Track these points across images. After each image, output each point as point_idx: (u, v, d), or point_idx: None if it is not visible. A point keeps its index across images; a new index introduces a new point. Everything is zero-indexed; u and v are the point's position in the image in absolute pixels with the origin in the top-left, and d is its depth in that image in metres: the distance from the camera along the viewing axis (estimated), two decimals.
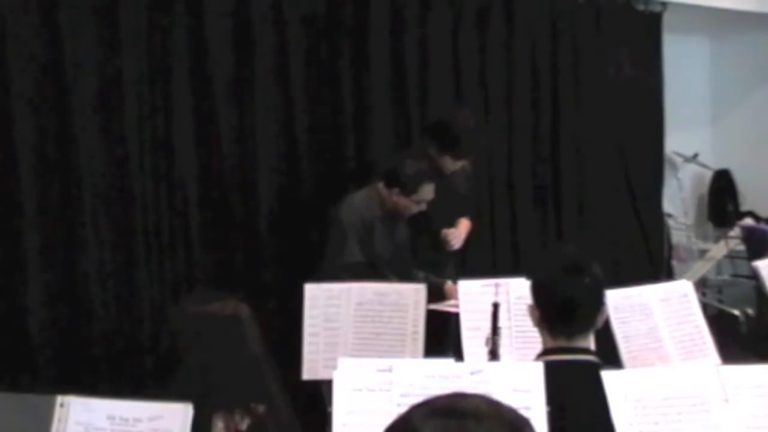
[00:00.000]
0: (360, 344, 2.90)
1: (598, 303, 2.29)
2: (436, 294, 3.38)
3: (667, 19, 5.95)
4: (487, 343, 2.60)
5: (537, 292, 2.32)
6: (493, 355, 2.57)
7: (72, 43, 3.58)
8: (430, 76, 4.77)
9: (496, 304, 2.63)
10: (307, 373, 2.90)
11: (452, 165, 3.95)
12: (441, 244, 4.03)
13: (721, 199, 7.12)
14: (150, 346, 3.78)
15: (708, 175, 7.12)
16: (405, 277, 3.65)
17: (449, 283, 3.72)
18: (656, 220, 6.13)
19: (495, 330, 2.59)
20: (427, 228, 3.98)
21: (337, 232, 3.76)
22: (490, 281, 2.88)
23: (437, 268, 3.92)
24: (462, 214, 4.18)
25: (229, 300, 2.19)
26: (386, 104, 4.60)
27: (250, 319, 2.17)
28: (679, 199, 6.69)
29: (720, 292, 6.47)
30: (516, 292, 2.80)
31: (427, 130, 4.26)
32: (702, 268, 6.05)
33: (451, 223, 4.10)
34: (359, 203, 3.83)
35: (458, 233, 4.05)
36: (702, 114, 7.20)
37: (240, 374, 2.10)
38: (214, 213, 4.06)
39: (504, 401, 1.09)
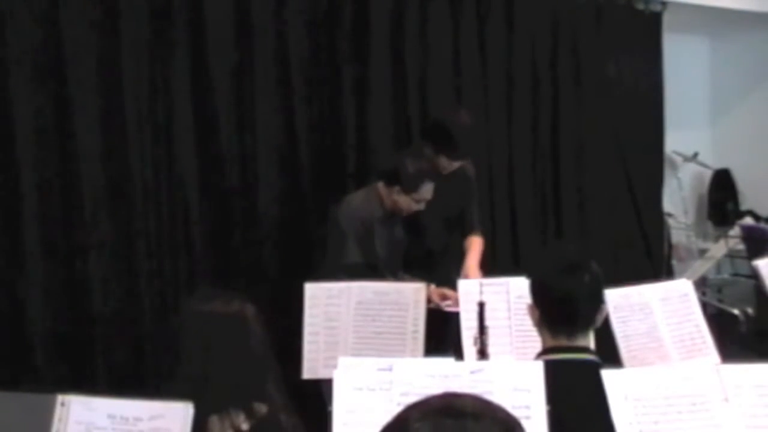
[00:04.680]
0: (360, 343, 2.90)
1: (598, 301, 2.29)
2: None
3: (667, 18, 5.95)
4: (475, 343, 2.61)
5: (536, 291, 2.33)
6: (482, 354, 2.58)
7: (72, 41, 3.58)
8: (430, 76, 4.77)
9: (482, 303, 2.64)
10: (308, 373, 2.90)
11: (449, 165, 3.92)
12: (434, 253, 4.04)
13: (721, 198, 7.13)
14: (150, 346, 3.78)
15: (708, 174, 7.13)
16: (393, 276, 3.67)
17: (432, 286, 3.72)
18: (656, 219, 6.13)
19: (482, 329, 2.61)
20: (417, 234, 3.98)
21: (336, 233, 3.76)
22: (490, 281, 2.89)
23: (435, 271, 3.91)
24: (463, 224, 4.15)
25: (235, 299, 2.19)
26: (386, 104, 4.60)
27: (254, 319, 2.17)
28: (679, 198, 6.70)
29: (720, 291, 6.48)
30: (516, 292, 2.81)
31: (424, 129, 4.24)
32: (702, 267, 6.05)
33: (444, 227, 4.09)
34: (358, 204, 3.82)
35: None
36: (702, 114, 7.21)
37: (242, 374, 2.10)
38: (214, 212, 4.06)
39: (504, 400, 1.10)
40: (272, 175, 4.23)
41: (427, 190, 3.74)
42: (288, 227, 4.26)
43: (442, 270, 3.93)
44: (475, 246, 4.04)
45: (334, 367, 1.97)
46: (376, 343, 2.89)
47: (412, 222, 3.90)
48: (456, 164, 3.94)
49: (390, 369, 1.92)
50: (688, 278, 3.39)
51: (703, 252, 6.40)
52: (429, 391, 1.13)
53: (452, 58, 4.88)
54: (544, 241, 5.34)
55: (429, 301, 3.61)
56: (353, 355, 2.78)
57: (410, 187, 3.71)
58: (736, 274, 6.49)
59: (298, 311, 2.96)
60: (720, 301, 6.26)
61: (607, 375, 1.92)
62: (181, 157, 3.94)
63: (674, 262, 6.48)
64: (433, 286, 3.70)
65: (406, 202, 3.76)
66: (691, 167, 6.89)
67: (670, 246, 6.43)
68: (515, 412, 1.12)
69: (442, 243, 4.10)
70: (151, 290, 3.84)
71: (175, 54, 3.90)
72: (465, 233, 4.09)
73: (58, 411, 1.89)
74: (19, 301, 3.50)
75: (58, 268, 3.60)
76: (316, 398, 2.89)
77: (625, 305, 2.78)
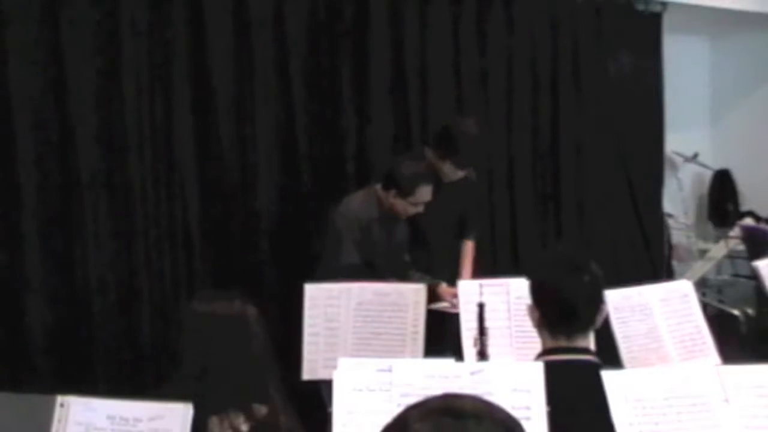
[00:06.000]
0: (360, 344, 2.90)
1: (598, 302, 2.29)
2: (430, 295, 3.38)
3: (667, 19, 5.95)
4: (475, 344, 2.61)
5: (536, 292, 2.32)
6: (482, 355, 2.58)
7: (72, 40, 3.58)
8: (430, 76, 4.77)
9: (481, 304, 2.65)
10: (307, 373, 2.90)
11: (453, 173, 3.92)
12: (433, 252, 4.05)
13: (721, 199, 7.12)
14: (150, 346, 3.78)
15: (708, 175, 7.12)
16: (401, 277, 3.65)
17: (443, 285, 3.72)
18: (656, 219, 6.13)
19: (482, 330, 2.61)
20: (419, 239, 3.98)
21: (333, 234, 3.76)
22: (490, 281, 2.89)
23: (433, 271, 3.92)
24: (462, 227, 4.17)
25: (236, 300, 2.19)
26: (386, 104, 4.60)
27: (256, 320, 2.17)
28: (679, 199, 6.69)
29: (720, 292, 6.47)
30: (516, 292, 2.81)
31: (433, 136, 4.18)
32: (702, 268, 6.06)
33: (445, 229, 4.10)
34: (356, 205, 3.82)
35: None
36: (702, 114, 7.21)
37: (242, 375, 2.10)
38: (214, 213, 4.06)
39: (504, 401, 1.09)
40: (272, 176, 4.23)
41: (424, 193, 3.72)
42: (288, 228, 4.26)
43: (440, 270, 3.93)
44: (468, 254, 4.11)
45: (334, 367, 1.97)
46: (375, 343, 2.89)
47: (414, 223, 3.90)
48: (460, 173, 3.93)
49: (390, 370, 1.92)
50: (689, 279, 3.39)
51: (703, 253, 6.40)
52: (429, 392, 1.13)
53: (452, 58, 4.88)
54: (543, 241, 5.34)
55: (438, 299, 3.62)
56: (353, 356, 2.77)
57: (406, 191, 3.70)
58: (736, 275, 6.48)
59: (297, 312, 2.96)
60: (720, 301, 6.25)
61: (607, 376, 1.91)
62: (181, 158, 3.94)
63: (674, 263, 6.47)
64: (444, 285, 3.70)
65: (403, 206, 3.76)
66: (691, 168, 6.88)
67: (671, 247, 6.42)
68: (515, 413, 1.12)
69: (443, 244, 4.11)
70: (151, 291, 3.84)
71: (175, 55, 3.90)
72: (462, 236, 4.13)
73: (57, 412, 1.89)
74: (19, 301, 3.51)
75: (58, 269, 3.60)
76: (315, 399, 2.89)
77: (625, 306, 2.78)
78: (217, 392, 2.06)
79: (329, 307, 2.94)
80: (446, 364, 2.02)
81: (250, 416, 2.06)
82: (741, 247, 5.64)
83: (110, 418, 1.87)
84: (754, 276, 3.83)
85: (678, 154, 6.65)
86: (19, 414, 1.92)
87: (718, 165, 7.08)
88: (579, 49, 5.49)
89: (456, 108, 4.87)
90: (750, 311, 5.79)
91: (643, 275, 4.49)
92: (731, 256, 6.09)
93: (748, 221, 6.30)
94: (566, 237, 5.42)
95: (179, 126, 3.93)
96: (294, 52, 4.26)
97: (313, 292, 2.96)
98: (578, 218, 5.57)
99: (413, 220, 3.88)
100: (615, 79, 5.69)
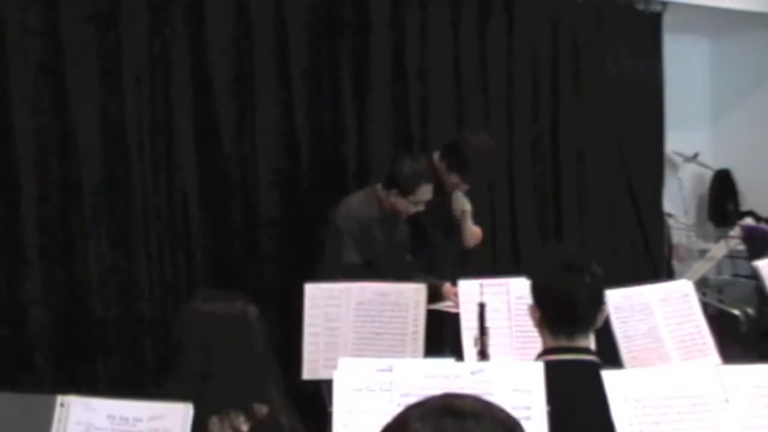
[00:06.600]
0: (360, 344, 2.90)
1: (598, 302, 2.29)
2: (433, 294, 3.39)
3: (667, 19, 5.96)
4: (475, 344, 2.62)
5: (537, 292, 2.32)
6: (482, 355, 2.59)
7: (72, 41, 3.58)
8: (431, 75, 4.77)
9: (482, 304, 2.65)
10: (308, 373, 2.90)
11: (458, 185, 3.95)
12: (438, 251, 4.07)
13: (721, 198, 7.13)
14: (150, 346, 3.78)
15: (708, 175, 7.12)
16: (403, 277, 3.65)
17: (447, 284, 3.73)
18: (656, 219, 6.13)
19: (483, 330, 2.61)
20: (420, 240, 3.99)
21: (333, 234, 3.77)
22: (490, 281, 2.89)
23: (435, 270, 3.92)
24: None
25: (238, 300, 2.19)
26: (386, 104, 4.60)
27: (257, 321, 2.17)
28: (679, 199, 6.70)
29: (720, 291, 6.47)
30: (516, 292, 2.81)
31: (444, 146, 4.11)
32: (702, 267, 6.06)
33: (448, 236, 4.11)
34: (356, 205, 3.83)
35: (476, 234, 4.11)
36: (702, 114, 7.21)
37: (243, 375, 2.10)
38: (214, 213, 4.06)
39: (505, 401, 1.09)
40: (272, 176, 4.23)
41: (424, 192, 3.73)
42: (288, 228, 4.26)
43: (442, 270, 3.93)
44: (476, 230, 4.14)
45: (334, 367, 1.97)
46: (376, 343, 2.88)
47: (416, 223, 3.91)
48: (465, 187, 3.95)
49: (390, 370, 1.92)
50: (689, 279, 3.39)
51: (703, 252, 6.40)
52: (429, 392, 1.13)
53: (452, 58, 4.88)
54: (544, 241, 5.34)
55: (441, 299, 3.62)
56: (353, 355, 2.77)
57: (407, 191, 3.72)
58: (736, 275, 6.48)
59: (298, 312, 2.96)
60: (720, 301, 6.25)
61: (608, 376, 1.91)
62: (182, 159, 3.94)
63: (675, 263, 6.47)
64: (448, 284, 3.71)
65: (404, 205, 3.77)
66: (692, 167, 6.89)
67: (671, 246, 6.42)
68: (515, 413, 1.12)
69: (445, 245, 4.11)
70: (151, 291, 3.83)
71: (175, 55, 3.90)
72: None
73: (57, 411, 1.88)
74: (19, 301, 3.50)
75: (58, 270, 3.60)
76: (315, 399, 2.89)
77: (626, 306, 2.78)
78: (217, 392, 2.05)
79: (329, 307, 2.94)
80: (446, 364, 2.03)
81: (250, 416, 2.06)
82: (741, 247, 5.64)
83: (110, 417, 1.87)
84: (754, 276, 3.83)
85: (678, 154, 6.65)
86: (19, 414, 1.92)
87: (718, 165, 7.08)
88: (579, 49, 5.49)
89: (456, 108, 4.87)
90: (750, 311, 5.78)
91: (643, 275, 4.48)
92: (731, 256, 6.09)
93: (748, 221, 6.30)
94: (566, 237, 5.42)
95: (179, 125, 3.93)
96: (294, 52, 4.26)
97: (314, 292, 2.96)
98: (578, 218, 5.57)
99: (415, 221, 3.89)
100: (615, 78, 5.69)
